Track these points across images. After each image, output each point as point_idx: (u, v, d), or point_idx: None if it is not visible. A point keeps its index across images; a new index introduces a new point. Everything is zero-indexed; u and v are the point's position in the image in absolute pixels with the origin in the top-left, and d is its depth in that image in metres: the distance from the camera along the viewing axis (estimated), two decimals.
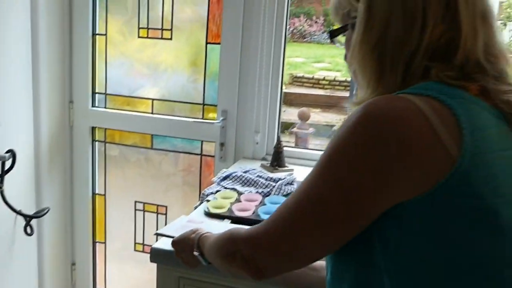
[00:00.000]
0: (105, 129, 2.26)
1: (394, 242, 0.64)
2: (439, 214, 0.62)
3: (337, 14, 0.80)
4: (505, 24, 9.46)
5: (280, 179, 1.73)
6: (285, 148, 1.97)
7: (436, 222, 0.62)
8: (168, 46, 2.12)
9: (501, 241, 0.64)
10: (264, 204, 1.51)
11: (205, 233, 0.96)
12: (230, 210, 1.47)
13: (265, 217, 1.32)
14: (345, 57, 0.81)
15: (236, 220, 1.43)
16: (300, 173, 1.84)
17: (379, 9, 0.70)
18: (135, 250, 2.30)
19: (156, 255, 1.29)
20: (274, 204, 1.49)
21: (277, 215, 0.72)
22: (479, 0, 0.70)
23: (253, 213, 1.46)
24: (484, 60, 0.69)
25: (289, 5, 1.95)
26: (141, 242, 2.28)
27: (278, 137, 1.99)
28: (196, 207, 1.57)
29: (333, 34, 0.82)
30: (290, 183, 1.72)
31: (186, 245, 0.98)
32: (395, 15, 0.68)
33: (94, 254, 2.36)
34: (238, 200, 1.56)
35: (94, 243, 2.36)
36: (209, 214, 1.46)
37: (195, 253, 0.95)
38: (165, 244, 1.28)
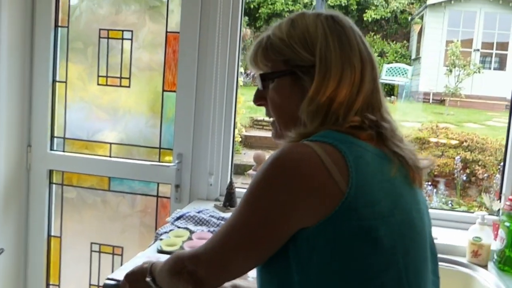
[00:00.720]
0: (63, 172, 2.32)
1: (305, 259, 0.79)
2: (335, 235, 0.78)
3: (267, 59, 0.90)
4: (450, 71, 10.03)
5: None
6: (238, 189, 2.09)
7: (334, 241, 0.78)
8: (127, 93, 2.23)
9: (379, 251, 0.79)
10: None
11: (157, 261, 1.04)
12: (181, 247, 1.56)
13: None
14: (256, 99, 0.95)
15: None
16: None
17: (332, 64, 0.85)
18: None
19: None
20: None
21: (213, 238, 0.87)
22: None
23: None
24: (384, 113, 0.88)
25: (240, 54, 2.11)
26: (96, 284, 2.30)
27: (231, 179, 2.10)
28: (150, 246, 1.65)
29: (267, 77, 0.91)
30: None
31: (139, 274, 1.04)
32: (345, 72, 0.85)
33: None
34: (190, 238, 1.64)
35: (47, 285, 2.35)
36: (162, 252, 1.54)
37: (147, 279, 1.00)
38: (116, 275, 1.35)
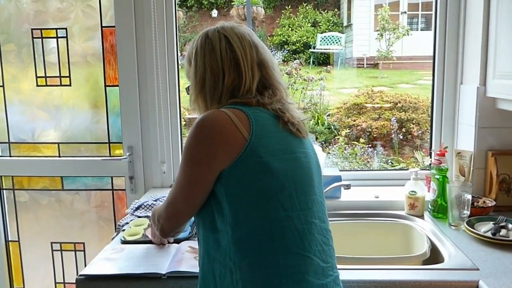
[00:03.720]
0: (12, 176, 2.30)
1: (224, 193, 1.09)
2: (243, 170, 1.07)
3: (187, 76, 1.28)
4: (381, 35, 10.33)
5: None
6: None
7: (243, 174, 1.07)
8: (68, 91, 2.23)
9: (274, 177, 1.09)
10: None
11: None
12: (144, 235, 1.63)
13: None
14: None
15: (150, 243, 1.60)
16: None
17: (199, 71, 1.19)
18: None
19: (82, 282, 1.41)
20: None
21: (168, 196, 1.20)
22: (254, 54, 1.19)
23: None
24: (261, 89, 1.19)
25: (177, 38, 2.15)
26: (62, 281, 2.33)
27: None
28: (113, 238, 1.70)
29: (188, 90, 1.29)
30: None
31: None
32: (207, 74, 1.18)
33: None
34: (150, 226, 1.71)
35: None
36: (125, 242, 1.61)
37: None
38: (88, 270, 1.42)
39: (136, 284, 1.39)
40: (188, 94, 1.27)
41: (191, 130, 1.09)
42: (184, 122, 6.80)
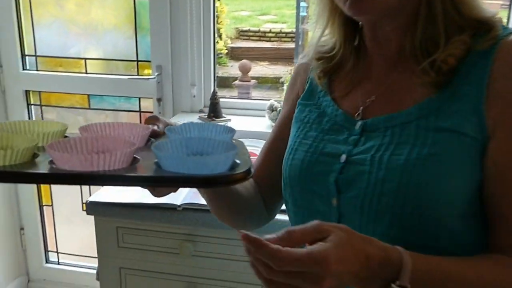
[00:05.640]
0: (40, 92, 2.23)
1: None
2: None
3: None
4: None
5: None
6: (227, 100, 2.03)
7: None
8: (97, 4, 2.08)
9: None
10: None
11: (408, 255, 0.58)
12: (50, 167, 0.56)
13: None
14: None
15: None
16: (237, 122, 1.91)
17: None
18: (83, 210, 2.33)
19: (92, 207, 1.34)
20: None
21: None
22: None
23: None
24: None
25: None
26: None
27: (214, 89, 2.03)
28: None
29: None
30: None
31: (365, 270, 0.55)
32: None
33: (42, 218, 2.38)
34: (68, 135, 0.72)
35: (41, 207, 2.36)
36: None
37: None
38: (99, 196, 1.34)
39: (150, 213, 1.31)
40: None
41: None
42: (227, 51, 6.61)
